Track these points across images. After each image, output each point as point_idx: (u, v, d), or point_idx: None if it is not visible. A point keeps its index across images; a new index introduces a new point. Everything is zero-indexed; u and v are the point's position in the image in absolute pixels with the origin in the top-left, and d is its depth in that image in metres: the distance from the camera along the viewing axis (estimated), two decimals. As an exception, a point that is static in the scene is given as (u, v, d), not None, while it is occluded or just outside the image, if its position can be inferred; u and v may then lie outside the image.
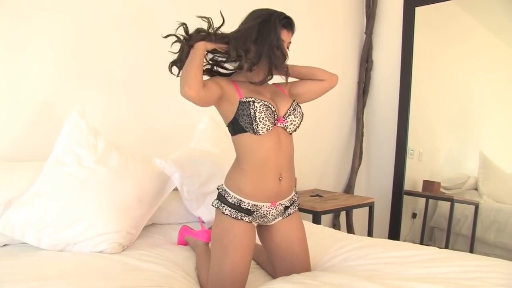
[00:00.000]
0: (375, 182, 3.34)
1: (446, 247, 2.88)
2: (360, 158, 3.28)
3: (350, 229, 3.14)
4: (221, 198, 1.36)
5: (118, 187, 1.62)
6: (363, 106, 3.29)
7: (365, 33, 3.26)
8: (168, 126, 2.24)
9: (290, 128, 1.36)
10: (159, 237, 1.77)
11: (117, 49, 2.06)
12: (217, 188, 1.40)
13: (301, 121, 1.38)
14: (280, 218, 1.40)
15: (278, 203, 1.36)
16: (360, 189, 3.33)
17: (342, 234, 1.81)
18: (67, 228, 1.50)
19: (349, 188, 3.26)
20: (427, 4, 2.97)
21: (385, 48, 3.23)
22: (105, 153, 1.66)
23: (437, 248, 1.57)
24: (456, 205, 2.90)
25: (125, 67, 2.09)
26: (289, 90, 1.47)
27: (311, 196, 2.67)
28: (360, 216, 3.12)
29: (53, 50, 1.87)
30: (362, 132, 3.27)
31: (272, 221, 1.39)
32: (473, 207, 2.84)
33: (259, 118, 1.26)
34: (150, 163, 1.82)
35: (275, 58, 1.29)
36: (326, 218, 3.14)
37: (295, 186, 1.48)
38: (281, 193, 1.36)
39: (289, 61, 1.39)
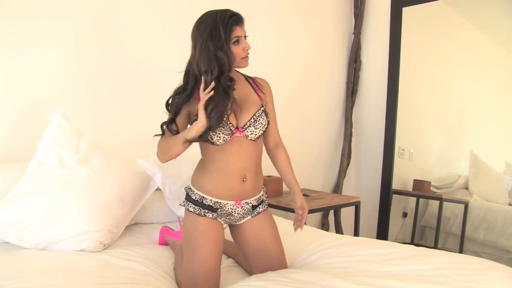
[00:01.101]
0: (363, 182, 3.36)
1: (436, 246, 2.89)
2: (349, 157, 3.29)
3: (338, 228, 3.15)
4: (187, 196, 1.40)
5: (100, 187, 1.65)
6: (352, 106, 3.30)
7: (354, 33, 3.28)
8: (153, 128, 2.26)
9: (250, 137, 1.34)
10: (141, 236, 1.79)
11: (105, 52, 2.09)
12: (184, 188, 1.43)
13: (264, 130, 1.36)
14: (249, 217, 1.42)
15: (243, 202, 1.38)
16: (348, 189, 3.34)
17: (322, 233, 1.83)
18: (49, 227, 1.52)
19: (337, 187, 3.27)
20: (414, 4, 2.98)
21: (373, 48, 3.25)
22: (88, 153, 1.69)
23: (413, 246, 1.58)
24: (447, 204, 2.90)
25: (112, 70, 2.11)
26: (266, 99, 1.42)
27: (298, 195, 2.68)
28: (349, 216, 3.13)
29: (42, 53, 1.90)
30: (351, 132, 3.29)
31: (240, 219, 1.41)
32: (463, 206, 2.85)
33: (212, 132, 1.27)
34: (132, 164, 1.85)
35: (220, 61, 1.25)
36: (315, 218, 3.16)
37: (265, 186, 1.50)
38: (246, 192, 1.38)
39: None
